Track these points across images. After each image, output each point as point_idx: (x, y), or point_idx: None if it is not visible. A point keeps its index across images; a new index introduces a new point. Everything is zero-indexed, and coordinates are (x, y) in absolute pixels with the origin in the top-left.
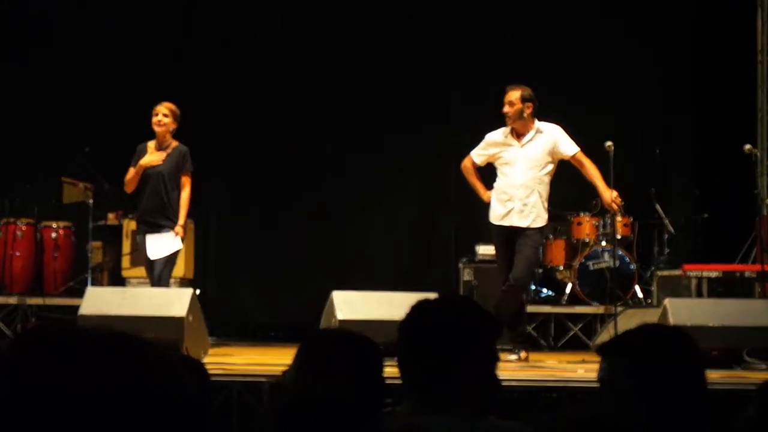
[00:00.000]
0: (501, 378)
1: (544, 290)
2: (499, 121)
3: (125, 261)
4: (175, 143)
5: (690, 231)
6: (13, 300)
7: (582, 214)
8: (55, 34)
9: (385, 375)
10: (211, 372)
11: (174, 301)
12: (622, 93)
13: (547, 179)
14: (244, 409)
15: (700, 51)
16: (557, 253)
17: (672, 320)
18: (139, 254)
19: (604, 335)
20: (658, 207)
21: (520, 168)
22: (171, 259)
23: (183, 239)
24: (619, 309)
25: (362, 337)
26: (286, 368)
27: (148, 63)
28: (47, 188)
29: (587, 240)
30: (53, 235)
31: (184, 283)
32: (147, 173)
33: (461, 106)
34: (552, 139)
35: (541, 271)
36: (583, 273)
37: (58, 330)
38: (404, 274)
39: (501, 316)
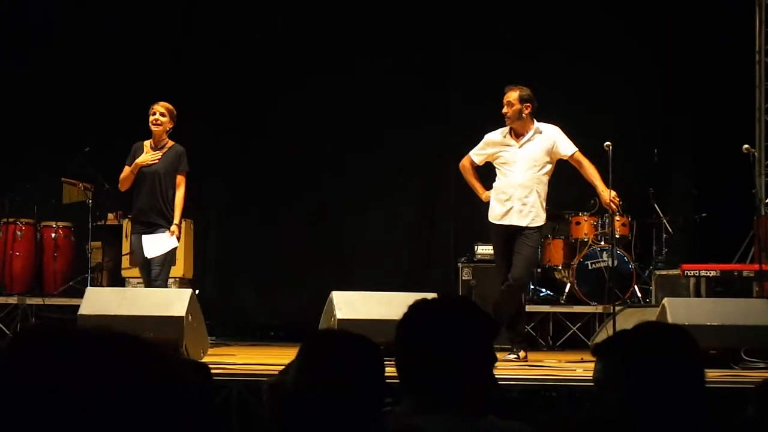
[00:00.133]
0: (500, 377)
1: (543, 290)
2: (499, 121)
3: (125, 261)
4: (171, 143)
5: (688, 230)
6: (12, 300)
7: (580, 214)
8: (55, 34)
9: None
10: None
11: (174, 301)
12: (622, 93)
13: (545, 179)
14: (244, 409)
15: (699, 51)
16: (556, 252)
17: (670, 319)
18: (133, 255)
19: (603, 335)
20: (656, 207)
21: (519, 168)
22: (169, 259)
23: (178, 239)
24: (617, 308)
25: (363, 337)
26: (283, 368)
27: (148, 63)
28: (47, 188)
29: (586, 239)
30: (53, 235)
31: (183, 282)
32: (143, 172)
33: (461, 106)
34: (551, 139)
35: (539, 270)
36: (581, 272)
37: (57, 330)
38: (404, 273)
39: (500, 315)
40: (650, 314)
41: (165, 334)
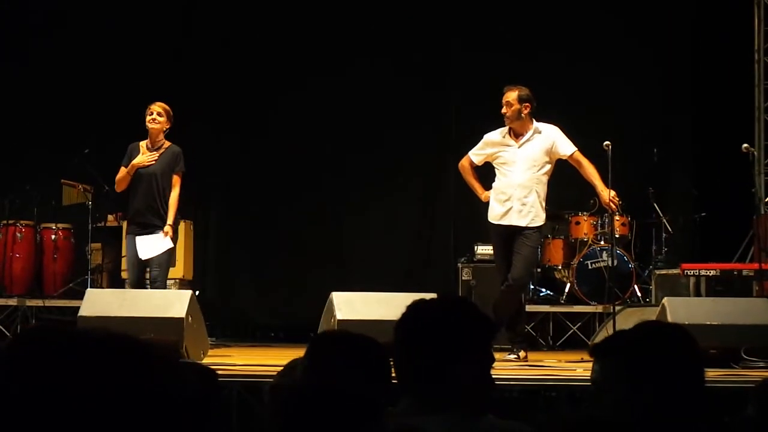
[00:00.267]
0: (500, 377)
1: (543, 290)
2: (499, 121)
3: (124, 263)
4: (167, 143)
5: (688, 230)
6: (12, 302)
7: (580, 214)
8: (55, 34)
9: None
10: None
11: (173, 302)
12: (622, 93)
13: (545, 179)
14: (244, 409)
15: (699, 51)
16: (555, 252)
17: (670, 319)
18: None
19: (603, 334)
20: (656, 206)
21: (518, 168)
22: (167, 261)
23: (173, 239)
24: (617, 308)
25: (370, 338)
26: (282, 369)
27: (148, 63)
28: (47, 190)
29: (585, 239)
30: (53, 236)
31: (183, 283)
32: (139, 173)
33: (461, 106)
34: (550, 139)
35: (539, 270)
36: (581, 272)
37: (57, 331)
38: (404, 274)
39: (500, 315)
40: (650, 314)
41: (165, 336)
